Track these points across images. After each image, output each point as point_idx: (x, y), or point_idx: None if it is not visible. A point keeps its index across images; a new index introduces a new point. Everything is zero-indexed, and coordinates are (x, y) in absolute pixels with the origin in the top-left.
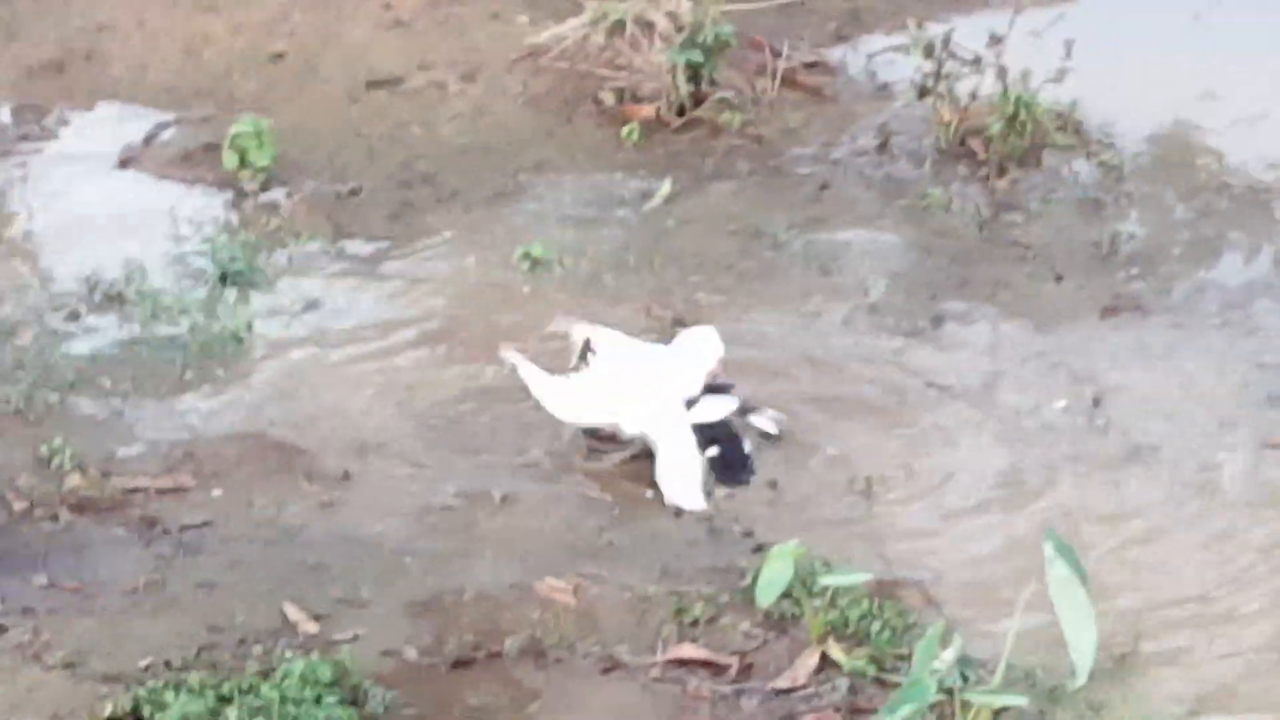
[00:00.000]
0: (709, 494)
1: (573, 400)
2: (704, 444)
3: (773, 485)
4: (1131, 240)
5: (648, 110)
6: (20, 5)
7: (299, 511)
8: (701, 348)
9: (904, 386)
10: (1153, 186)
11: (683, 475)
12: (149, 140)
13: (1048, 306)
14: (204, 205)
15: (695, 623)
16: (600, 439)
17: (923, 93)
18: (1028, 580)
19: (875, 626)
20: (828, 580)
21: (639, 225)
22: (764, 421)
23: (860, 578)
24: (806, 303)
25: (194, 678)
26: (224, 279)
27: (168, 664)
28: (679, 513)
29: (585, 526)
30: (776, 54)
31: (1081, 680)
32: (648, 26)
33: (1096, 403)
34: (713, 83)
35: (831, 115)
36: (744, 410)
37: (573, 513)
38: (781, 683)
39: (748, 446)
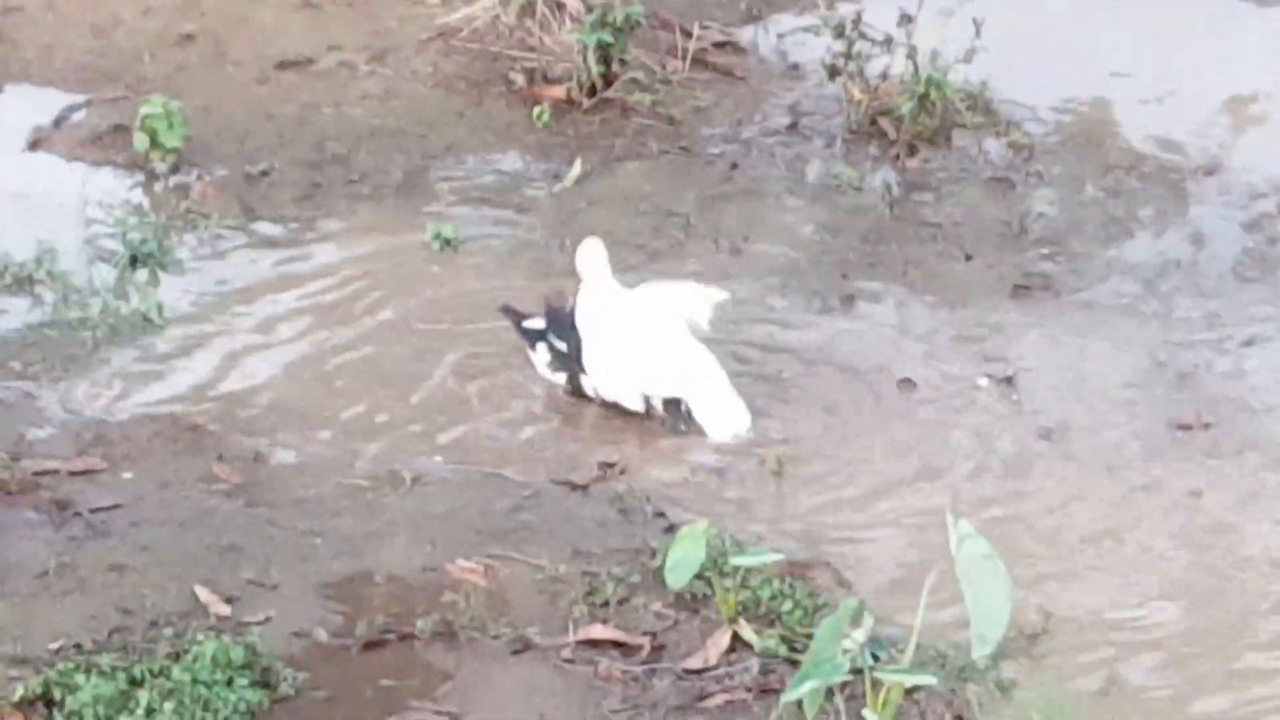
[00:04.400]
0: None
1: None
2: None
3: (687, 466)
4: (1041, 219)
5: (558, 91)
6: None
7: (210, 493)
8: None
9: (816, 366)
10: (1063, 166)
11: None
12: (59, 122)
13: (958, 285)
14: (114, 187)
15: (606, 603)
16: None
17: (833, 73)
18: (938, 560)
19: (786, 606)
20: (739, 560)
21: (550, 206)
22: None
23: (771, 558)
24: (718, 282)
25: (105, 660)
26: (134, 261)
27: (78, 647)
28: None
29: (496, 507)
30: (687, 34)
31: (981, 651)
32: (558, 7)
33: (1008, 382)
34: (623, 63)
35: (742, 95)
36: None
37: (483, 493)
38: (693, 663)
39: None
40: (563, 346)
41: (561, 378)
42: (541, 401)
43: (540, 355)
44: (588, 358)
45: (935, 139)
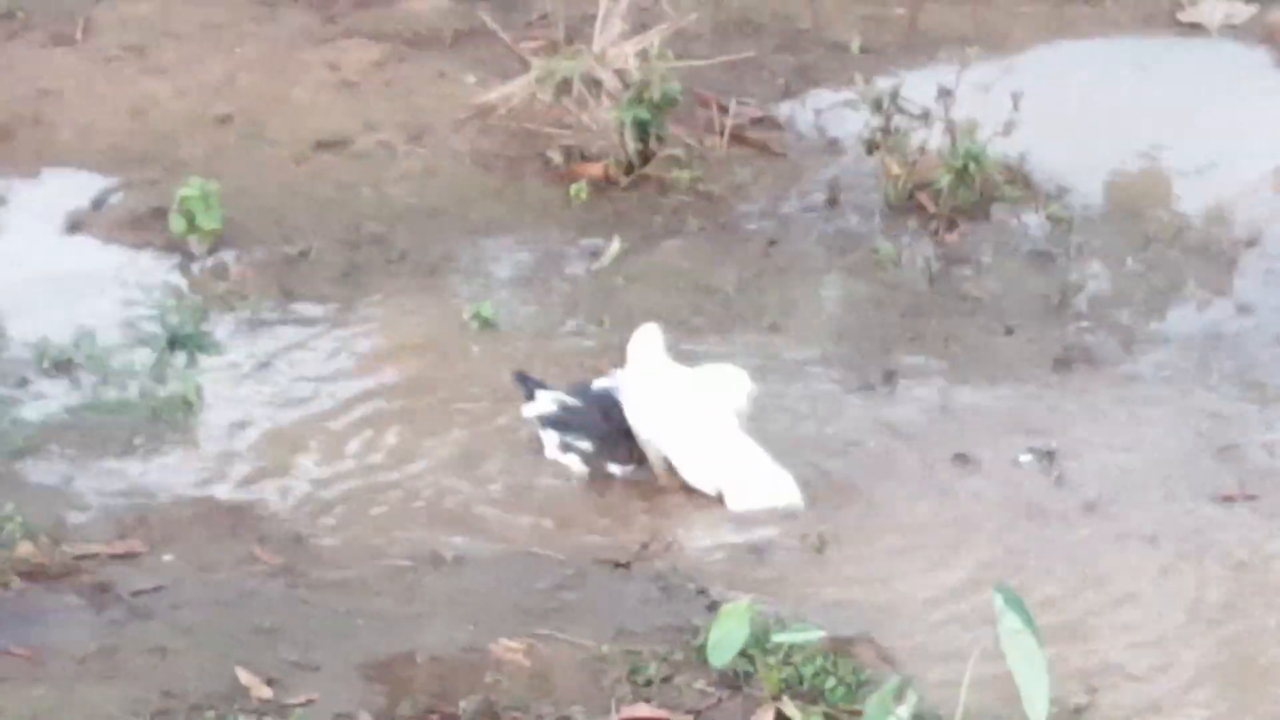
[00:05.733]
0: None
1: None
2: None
3: (729, 544)
4: (1082, 292)
5: (596, 168)
6: None
7: (251, 575)
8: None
9: (859, 440)
10: (1103, 238)
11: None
12: (97, 205)
13: (1000, 360)
14: (152, 269)
15: (649, 682)
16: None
17: (871, 147)
18: (982, 634)
19: (830, 683)
20: (782, 637)
21: (589, 284)
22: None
23: (814, 634)
24: (758, 359)
25: None
26: (173, 343)
27: None
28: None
29: (537, 586)
30: (724, 110)
31: None
32: (595, 84)
33: (1050, 457)
34: (660, 140)
35: (780, 171)
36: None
37: (525, 572)
38: None
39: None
40: (585, 445)
41: (573, 460)
42: (581, 480)
43: (549, 438)
44: (641, 438)
45: (974, 213)
